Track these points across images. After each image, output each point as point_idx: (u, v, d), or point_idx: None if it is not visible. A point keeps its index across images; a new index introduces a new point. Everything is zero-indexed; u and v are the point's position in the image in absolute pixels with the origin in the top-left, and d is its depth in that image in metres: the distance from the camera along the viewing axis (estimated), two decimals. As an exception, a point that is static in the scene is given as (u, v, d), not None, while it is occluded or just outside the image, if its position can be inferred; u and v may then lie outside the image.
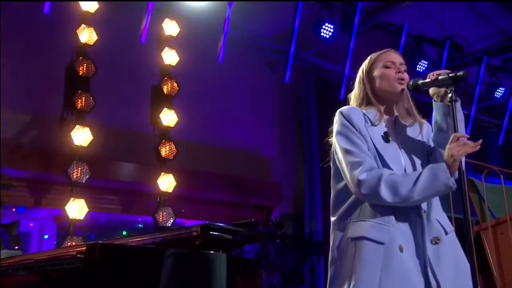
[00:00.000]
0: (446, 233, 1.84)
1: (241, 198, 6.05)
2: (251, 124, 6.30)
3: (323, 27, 5.66)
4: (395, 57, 1.99)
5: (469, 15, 6.67)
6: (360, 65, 2.09)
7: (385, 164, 1.83)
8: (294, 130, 6.74)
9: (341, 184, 1.90)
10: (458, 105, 1.84)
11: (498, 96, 7.29)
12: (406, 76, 1.95)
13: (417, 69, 6.40)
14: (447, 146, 1.76)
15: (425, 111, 2.08)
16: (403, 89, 1.94)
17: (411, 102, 2.01)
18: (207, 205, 5.82)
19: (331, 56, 6.68)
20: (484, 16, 6.75)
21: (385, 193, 1.74)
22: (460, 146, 1.73)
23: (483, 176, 3.60)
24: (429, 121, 2.05)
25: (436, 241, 1.79)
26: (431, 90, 1.91)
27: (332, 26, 5.67)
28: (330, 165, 2.00)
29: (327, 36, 5.71)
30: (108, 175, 4.96)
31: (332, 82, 6.70)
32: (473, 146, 1.73)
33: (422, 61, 6.43)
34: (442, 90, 1.87)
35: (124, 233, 6.44)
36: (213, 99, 5.91)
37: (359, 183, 1.78)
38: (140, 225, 6.55)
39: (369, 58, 2.03)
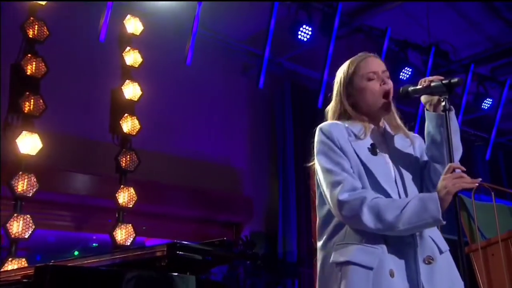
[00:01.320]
0: (441, 252, 1.85)
1: (208, 213, 6.04)
2: (221, 133, 6.32)
3: (301, 29, 5.69)
4: (377, 65, 1.97)
5: (456, 20, 6.79)
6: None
7: (372, 179, 1.83)
8: (267, 140, 6.78)
9: (326, 208, 1.89)
10: (452, 114, 1.84)
11: (486, 107, 7.40)
12: (390, 84, 1.95)
13: (401, 76, 6.48)
14: (442, 176, 1.75)
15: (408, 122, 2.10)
16: (390, 104, 1.95)
17: (395, 114, 2.01)
18: (170, 222, 5.81)
19: (308, 61, 6.74)
20: (471, 21, 6.88)
21: (367, 218, 1.74)
22: (456, 179, 1.71)
23: (473, 193, 3.62)
24: (414, 130, 2.09)
25: (429, 260, 1.79)
26: (424, 98, 1.90)
27: (310, 29, 5.72)
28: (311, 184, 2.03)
29: (305, 39, 5.74)
30: (59, 187, 4.88)
31: (309, 89, 6.77)
32: (470, 183, 1.71)
33: (406, 68, 6.51)
34: (435, 98, 1.86)
35: (76, 253, 6.31)
36: (179, 105, 5.91)
37: (339, 203, 1.78)
38: (94, 244, 6.44)
39: (346, 66, 1.99)
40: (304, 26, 5.70)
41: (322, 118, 2.03)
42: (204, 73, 6.03)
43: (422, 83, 1.88)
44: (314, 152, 1.94)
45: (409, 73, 6.53)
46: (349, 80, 1.96)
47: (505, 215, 4.08)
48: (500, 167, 9.04)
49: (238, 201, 6.33)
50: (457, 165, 1.74)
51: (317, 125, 1.95)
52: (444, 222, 1.71)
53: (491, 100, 7.40)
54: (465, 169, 1.74)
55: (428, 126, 1.90)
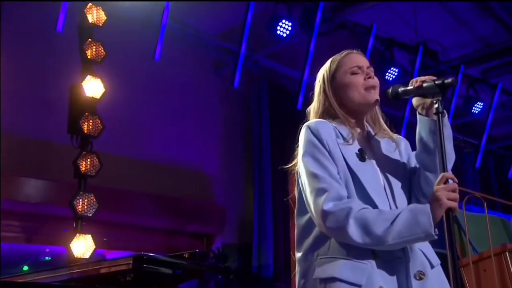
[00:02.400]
0: (432, 267, 1.85)
1: (177, 223, 6.01)
2: (191, 136, 6.28)
3: (280, 24, 5.71)
4: (361, 60, 2.00)
5: (445, 18, 6.89)
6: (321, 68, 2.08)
7: (360, 187, 1.83)
8: (242, 144, 6.77)
9: (307, 217, 1.88)
10: (446, 120, 1.85)
11: (476, 111, 7.53)
12: (376, 80, 1.97)
13: (386, 77, 6.56)
14: (435, 187, 1.75)
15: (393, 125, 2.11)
16: (377, 99, 1.97)
17: (379, 115, 2.04)
18: (135, 232, 5.76)
19: (288, 59, 6.76)
20: (462, 19, 6.99)
21: (354, 231, 1.72)
22: (450, 192, 1.71)
23: (464, 203, 3.66)
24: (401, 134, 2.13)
25: (420, 276, 1.79)
26: (415, 101, 1.92)
27: (289, 24, 5.73)
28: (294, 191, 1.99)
29: (284, 35, 5.75)
30: (8, 194, 4.77)
31: (288, 89, 6.81)
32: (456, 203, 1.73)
33: (392, 68, 6.60)
34: (428, 101, 1.87)
35: (25, 268, 6.16)
36: (146, 104, 5.87)
37: (323, 214, 1.76)
38: (47, 258, 6.30)
39: (329, 63, 2.02)
40: (283, 21, 5.74)
41: (302, 120, 2.03)
42: (174, 69, 6.00)
43: (413, 84, 1.89)
44: (298, 152, 1.92)
45: (396, 73, 6.63)
46: (332, 77, 1.99)
47: (497, 227, 4.19)
48: (490, 175, 9.17)
49: (209, 210, 6.30)
50: (451, 175, 1.75)
51: (297, 128, 1.95)
52: (436, 237, 1.72)
53: (482, 104, 7.54)
54: (456, 181, 1.74)
55: (420, 131, 1.91)
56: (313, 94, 2.05)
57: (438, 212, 1.71)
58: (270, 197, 6.39)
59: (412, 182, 1.97)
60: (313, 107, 2.03)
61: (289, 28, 5.75)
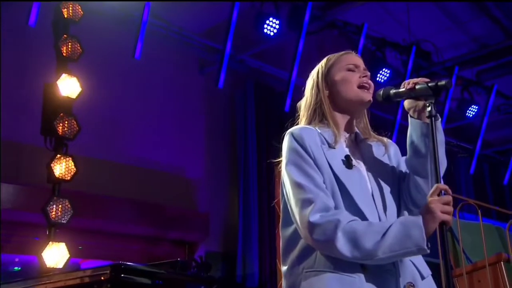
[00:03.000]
0: (423, 278, 1.86)
1: (157, 231, 5.97)
2: (173, 138, 6.24)
3: (267, 22, 5.72)
4: (359, 60, 2.05)
5: (439, 18, 6.96)
6: (310, 69, 2.10)
7: (347, 196, 1.84)
8: (227, 148, 6.74)
9: (292, 228, 1.89)
10: (439, 123, 1.86)
11: (470, 115, 7.58)
12: (371, 83, 2.00)
13: (378, 78, 6.59)
14: (428, 198, 1.75)
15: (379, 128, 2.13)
16: (369, 100, 1.98)
17: (366, 118, 2.07)
18: (112, 240, 5.71)
19: (275, 58, 6.77)
20: (456, 19, 7.05)
21: (342, 245, 1.72)
22: (445, 205, 1.72)
23: (457, 211, 3.66)
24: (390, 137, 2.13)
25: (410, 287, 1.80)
26: (407, 103, 1.93)
27: (277, 22, 5.74)
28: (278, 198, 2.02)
29: (271, 34, 5.76)
30: (-27, 200, 4.74)
31: (275, 90, 6.82)
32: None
33: (384, 69, 6.64)
34: (421, 103, 1.89)
35: (-9, 279, 6.08)
36: (125, 104, 5.83)
37: (310, 226, 1.76)
38: (16, 268, 6.21)
39: (325, 59, 2.07)
40: (270, 19, 5.75)
41: (290, 123, 2.04)
42: (155, 69, 5.97)
43: (405, 86, 1.90)
44: (283, 160, 1.93)
45: (387, 74, 6.67)
46: (327, 71, 2.02)
47: (492, 236, 4.19)
48: (485, 181, 9.23)
49: (192, 216, 6.27)
50: (445, 186, 1.75)
51: (285, 131, 1.96)
52: (429, 251, 1.73)
53: (476, 107, 7.58)
54: (450, 193, 1.75)
55: (412, 135, 1.92)
56: (304, 89, 2.08)
57: (431, 225, 1.71)
58: (256, 204, 6.38)
59: (401, 188, 1.98)
60: (304, 102, 2.05)
61: (277, 27, 5.76)
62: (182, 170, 6.32)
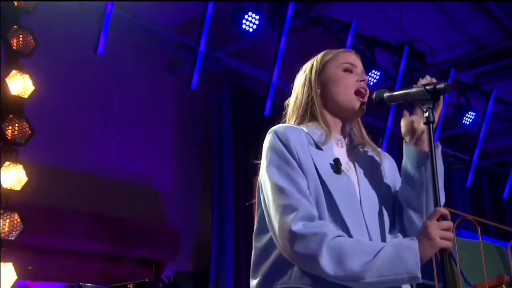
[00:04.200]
0: None
1: (120, 248, 5.93)
2: (139, 145, 6.21)
3: (245, 17, 5.74)
4: (357, 61, 2.04)
5: (433, 16, 7.01)
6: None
7: (331, 204, 1.83)
8: (200, 156, 6.73)
9: (267, 237, 1.88)
10: (439, 152, 1.87)
11: (467, 122, 7.64)
12: (367, 89, 2.00)
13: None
14: (426, 221, 1.77)
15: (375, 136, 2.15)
16: (363, 106, 1.98)
17: (361, 124, 2.08)
18: (68, 259, 5.63)
19: (254, 57, 6.79)
20: (452, 17, 7.12)
21: (326, 262, 1.71)
22: (445, 231, 1.74)
23: (454, 227, 3.66)
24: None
25: None
26: (404, 127, 1.94)
27: (257, 17, 5.76)
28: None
29: (250, 30, 5.78)
30: None
31: (254, 92, 6.82)
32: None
33: (374, 71, 6.70)
34: (420, 129, 1.90)
35: None
36: (85, 106, 5.78)
37: (291, 235, 1.75)
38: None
39: (322, 53, 2.07)
40: (249, 14, 5.74)
41: (269, 128, 2.01)
42: (120, 66, 5.93)
43: (421, 83, 1.90)
44: (263, 160, 1.93)
45: (377, 76, 6.73)
46: (322, 67, 2.03)
47: (492, 255, 4.31)
48: (483, 195, 9.33)
49: (159, 232, 6.22)
50: (445, 212, 1.76)
51: (264, 137, 1.97)
52: (421, 281, 1.74)
53: (473, 113, 7.64)
54: (450, 220, 1.78)
55: (406, 163, 1.95)
56: (292, 86, 2.09)
57: (428, 251, 1.73)
58: (231, 218, 6.36)
59: (395, 213, 1.99)
60: (294, 100, 2.06)
61: (256, 22, 5.77)
62: (149, 180, 6.30)
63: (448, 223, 1.75)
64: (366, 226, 1.85)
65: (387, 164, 2.06)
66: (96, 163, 5.81)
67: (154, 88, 6.42)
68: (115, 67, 5.88)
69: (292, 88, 2.08)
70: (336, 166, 1.89)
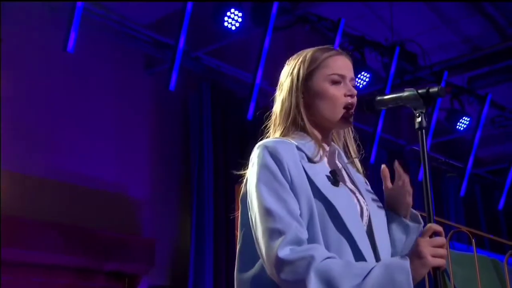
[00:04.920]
0: None
1: (91, 261, 5.79)
2: (112, 149, 6.13)
3: (228, 14, 5.74)
4: (346, 67, 2.03)
5: (426, 15, 7.05)
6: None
7: (336, 217, 1.85)
8: (178, 162, 6.67)
9: (254, 269, 1.89)
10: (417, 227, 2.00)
11: (461, 128, 7.64)
12: (355, 100, 2.01)
13: (356, 83, 6.56)
14: (418, 239, 1.78)
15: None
16: (350, 119, 2.00)
17: (351, 135, 2.12)
18: (34, 273, 5.51)
19: (236, 57, 6.77)
20: (445, 17, 7.15)
21: (314, 286, 1.72)
22: (438, 248, 1.75)
23: (447, 239, 3.69)
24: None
25: None
26: (388, 196, 2.00)
27: (240, 14, 5.75)
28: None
29: (233, 28, 5.79)
30: None
31: (236, 95, 6.80)
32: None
33: (363, 72, 6.69)
34: (408, 201, 1.99)
35: None
36: (53, 108, 5.68)
37: (278, 262, 1.77)
38: None
39: (309, 55, 2.05)
40: (232, 11, 5.73)
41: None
42: (92, 65, 5.84)
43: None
44: (250, 177, 1.93)
45: (367, 79, 6.74)
46: (308, 74, 2.02)
47: (487, 269, 4.32)
48: (477, 205, 9.30)
49: (134, 243, 6.10)
50: (438, 228, 1.78)
51: (246, 143, 2.00)
52: None
53: (468, 119, 7.66)
54: (443, 238, 1.80)
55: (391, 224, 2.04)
56: (276, 90, 2.11)
57: (420, 271, 1.74)
58: (211, 228, 6.29)
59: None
60: (280, 106, 2.05)
61: (239, 20, 5.76)
62: (123, 188, 6.19)
63: (441, 240, 1.76)
64: (368, 240, 1.89)
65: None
66: (65, 169, 5.70)
67: (129, 89, 6.34)
68: (87, 66, 5.80)
69: (277, 88, 2.09)
70: (334, 178, 1.92)
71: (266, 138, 2.05)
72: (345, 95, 1.99)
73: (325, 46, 2.09)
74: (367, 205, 1.96)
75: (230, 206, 5.88)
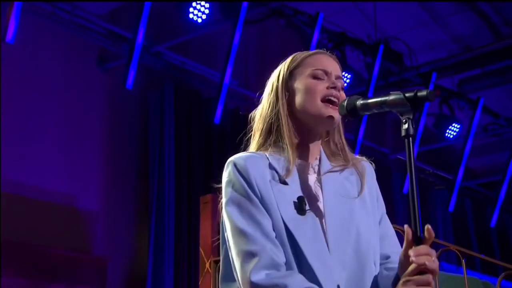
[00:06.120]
0: None
1: (35, 282, 5.73)
2: (60, 155, 6.04)
3: (193, 5, 5.74)
4: (331, 65, 2.04)
5: (413, 10, 7.08)
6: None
7: (297, 252, 1.86)
8: (135, 169, 6.63)
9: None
10: None
11: (451, 136, 7.67)
12: (342, 95, 2.01)
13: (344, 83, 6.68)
14: (404, 276, 1.76)
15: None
16: (332, 116, 1.98)
17: (343, 137, 2.11)
18: None
19: (203, 53, 6.78)
20: (434, 12, 7.17)
21: None
22: (426, 285, 1.73)
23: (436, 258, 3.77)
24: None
25: None
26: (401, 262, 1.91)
27: (207, 5, 5.76)
28: None
29: (199, 21, 5.79)
30: None
31: (202, 95, 6.77)
32: None
33: (343, 73, 6.57)
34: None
35: None
36: None
37: (251, 286, 1.82)
38: None
39: (290, 58, 2.09)
40: (198, 1, 5.73)
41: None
42: (37, 59, 5.81)
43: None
44: (222, 196, 1.97)
45: (348, 80, 6.76)
46: (289, 74, 2.05)
47: None
48: (467, 222, 9.38)
49: (84, 262, 6.03)
50: (426, 265, 1.75)
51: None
52: None
53: (458, 125, 7.69)
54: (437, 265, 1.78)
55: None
56: (261, 94, 2.14)
57: None
58: (172, 245, 6.26)
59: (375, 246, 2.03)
60: (261, 112, 2.08)
61: (206, 11, 5.78)
62: (71, 199, 6.12)
63: (427, 278, 1.74)
64: (333, 275, 1.87)
65: (369, 181, 2.07)
66: (7, 178, 5.57)
67: (80, 86, 6.27)
68: (30, 61, 5.77)
69: (259, 98, 2.12)
70: (300, 206, 1.91)
71: (249, 146, 2.08)
72: (328, 88, 1.98)
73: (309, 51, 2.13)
74: (336, 237, 1.93)
75: (193, 219, 5.84)
